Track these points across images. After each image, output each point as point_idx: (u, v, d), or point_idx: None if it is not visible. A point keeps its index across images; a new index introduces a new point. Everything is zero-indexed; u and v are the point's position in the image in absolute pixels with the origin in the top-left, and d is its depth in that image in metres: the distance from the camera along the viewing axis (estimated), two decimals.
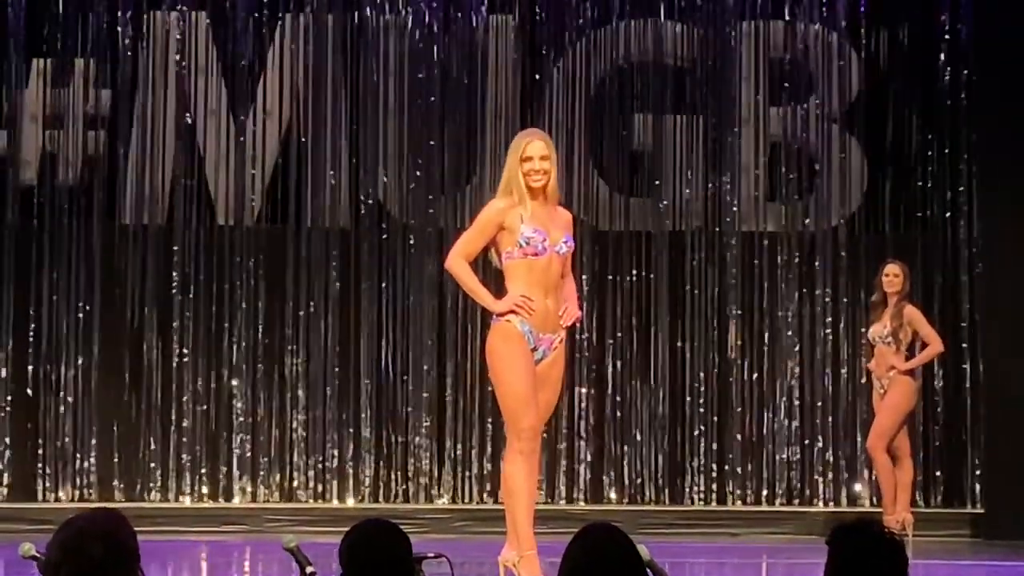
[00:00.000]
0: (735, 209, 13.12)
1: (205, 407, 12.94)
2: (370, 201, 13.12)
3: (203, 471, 12.90)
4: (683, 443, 12.99)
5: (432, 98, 13.14)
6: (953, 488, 12.85)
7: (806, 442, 12.97)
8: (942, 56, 13.07)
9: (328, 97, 13.12)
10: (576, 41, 13.24)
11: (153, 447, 12.88)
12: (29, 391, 12.89)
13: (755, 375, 13.03)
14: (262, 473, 12.92)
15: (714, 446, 12.96)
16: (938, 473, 12.87)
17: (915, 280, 11.60)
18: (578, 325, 8.89)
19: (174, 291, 13.00)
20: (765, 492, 12.94)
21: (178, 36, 13.12)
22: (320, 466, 12.93)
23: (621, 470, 12.98)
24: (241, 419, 12.94)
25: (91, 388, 12.89)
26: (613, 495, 12.96)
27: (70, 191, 13.03)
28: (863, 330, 11.72)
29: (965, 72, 12.98)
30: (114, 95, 13.10)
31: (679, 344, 13.04)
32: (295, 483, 12.92)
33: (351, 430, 12.94)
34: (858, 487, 12.92)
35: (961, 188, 12.98)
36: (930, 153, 13.07)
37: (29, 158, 13.05)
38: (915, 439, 12.05)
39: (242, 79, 13.14)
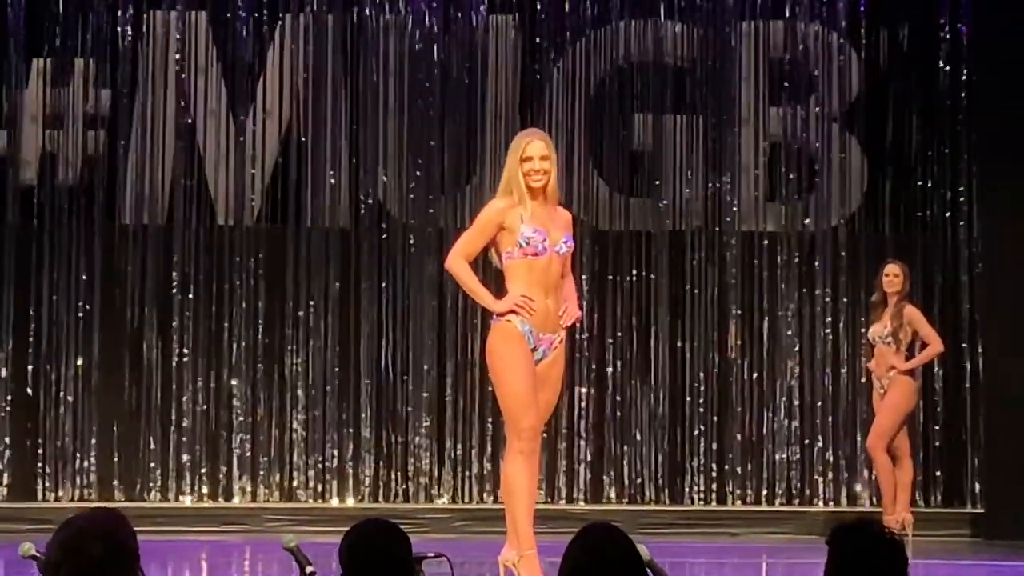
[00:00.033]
0: (735, 209, 13.13)
1: (205, 407, 12.94)
2: (370, 201, 13.12)
3: (203, 471, 12.90)
4: (683, 443, 12.99)
5: (432, 98, 13.14)
6: (953, 488, 12.85)
7: (806, 442, 12.97)
8: (942, 56, 13.07)
9: (328, 97, 13.12)
10: (576, 41, 13.24)
11: (153, 447, 12.88)
12: (29, 391, 12.89)
13: (755, 375, 13.03)
14: (262, 473, 12.92)
15: (714, 446, 12.97)
16: (938, 473, 12.87)
17: (915, 280, 11.61)
18: (578, 325, 8.89)
19: (174, 291, 13.00)
20: (765, 492, 12.94)
21: (178, 36, 13.12)
22: (320, 466, 12.93)
23: (621, 470, 12.98)
24: (241, 419, 12.94)
25: (91, 388, 12.90)
26: (613, 495, 12.96)
27: (70, 191, 13.03)
28: (863, 330, 11.72)
29: (965, 72, 12.98)
30: (114, 95, 13.10)
31: (679, 344, 13.04)
32: (295, 483, 12.92)
33: (351, 430, 12.95)
34: (858, 487, 12.91)
35: (961, 188, 12.98)
36: (930, 153, 13.07)
37: (29, 158, 13.06)
38: (915, 439, 12.06)
39: (242, 79, 13.15)
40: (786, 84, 13.24)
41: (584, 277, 12.81)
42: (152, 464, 12.87)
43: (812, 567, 4.17)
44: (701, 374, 13.00)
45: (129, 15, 13.08)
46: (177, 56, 13.12)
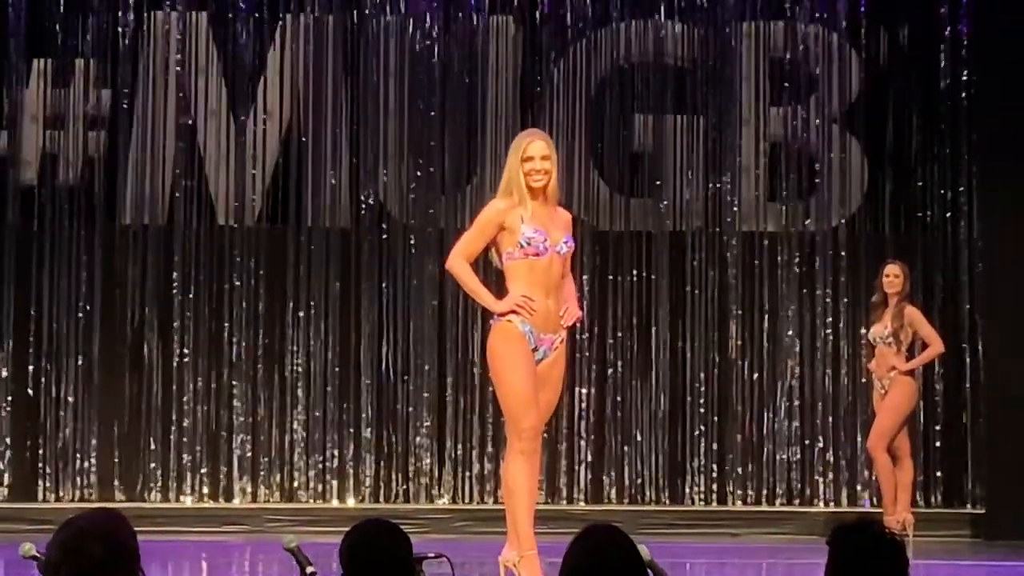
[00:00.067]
0: (735, 209, 13.13)
1: (205, 407, 12.94)
2: (370, 201, 13.12)
3: (203, 471, 12.90)
4: (683, 443, 12.99)
5: (432, 98, 13.14)
6: (953, 488, 12.85)
7: (806, 442, 12.97)
8: (942, 56, 13.07)
9: (328, 97, 13.13)
10: (576, 41, 13.24)
11: (153, 447, 12.88)
12: (29, 391, 12.89)
13: (755, 375, 13.03)
14: (262, 473, 12.92)
15: (714, 446, 12.97)
16: (938, 473, 12.87)
17: (915, 280, 11.61)
18: (578, 325, 8.89)
19: (174, 291, 13.00)
20: (765, 492, 12.93)
21: (178, 36, 13.12)
22: (320, 466, 12.93)
23: (621, 470, 12.98)
24: (241, 419, 12.94)
25: (91, 388, 12.90)
26: (613, 495, 12.96)
27: (70, 191, 13.03)
28: (863, 330, 11.72)
29: (965, 72, 12.98)
30: (114, 95, 13.10)
31: (679, 344, 13.04)
32: (295, 483, 12.92)
33: (351, 430, 12.95)
34: (859, 487, 12.91)
35: (961, 188, 12.98)
36: (930, 153, 13.07)
37: (29, 158, 13.06)
38: (915, 439, 12.06)
39: (242, 79, 13.15)
40: (786, 84, 13.24)
41: (584, 277, 12.81)
42: (152, 464, 12.87)
43: (812, 567, 4.17)
44: (701, 374, 13.00)
45: (130, 15, 13.08)
46: (178, 56, 13.12)
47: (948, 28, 13.08)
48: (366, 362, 12.99)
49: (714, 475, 12.95)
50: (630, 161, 13.23)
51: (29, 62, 13.08)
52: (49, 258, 12.95)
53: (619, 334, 13.06)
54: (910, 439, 11.25)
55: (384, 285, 13.05)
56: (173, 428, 12.90)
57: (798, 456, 12.97)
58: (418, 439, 12.92)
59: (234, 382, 12.98)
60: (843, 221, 13.17)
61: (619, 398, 13.01)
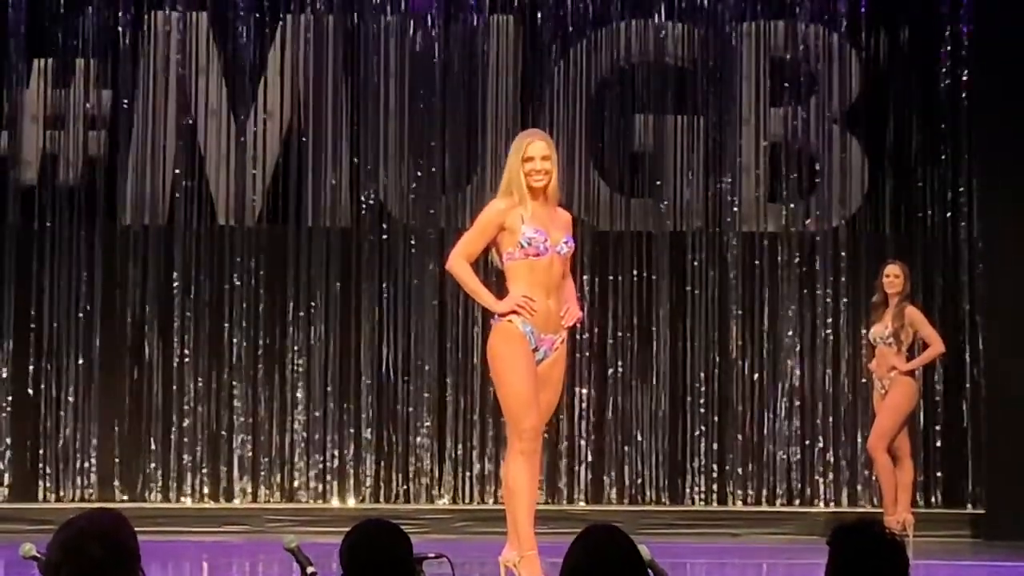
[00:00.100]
0: (736, 209, 13.13)
1: (205, 407, 12.94)
2: (371, 201, 13.12)
3: (204, 471, 12.90)
4: (684, 443, 12.99)
5: (432, 98, 13.14)
6: (953, 489, 12.85)
7: (807, 442, 12.97)
8: (942, 56, 13.07)
9: (329, 97, 13.13)
10: (577, 41, 13.24)
11: (154, 447, 12.88)
12: (30, 391, 12.89)
13: (756, 375, 13.03)
14: (263, 473, 12.92)
15: (715, 446, 12.97)
16: (938, 474, 12.87)
17: (915, 280, 11.61)
18: (579, 325, 8.89)
19: (175, 291, 13.00)
20: (765, 492, 12.93)
21: (178, 36, 13.12)
22: (321, 466, 12.93)
23: (622, 470, 12.98)
24: (242, 419, 12.94)
25: (92, 388, 12.90)
26: (614, 495, 12.96)
27: (71, 191, 13.03)
28: (864, 331, 11.71)
29: (965, 72, 12.98)
30: (115, 95, 13.10)
31: (680, 344, 13.04)
32: (296, 483, 12.92)
33: (352, 430, 12.95)
34: (859, 488, 12.91)
35: (961, 188, 12.98)
36: (930, 153, 13.07)
37: (30, 158, 13.06)
38: (915, 440, 12.06)
39: (243, 79, 13.15)
40: (787, 84, 13.24)
41: (585, 278, 12.82)
42: (153, 465, 12.87)
43: (813, 568, 4.17)
44: (702, 374, 13.00)
45: (130, 15, 13.08)
46: (178, 57, 13.12)
47: (948, 28, 13.08)
48: (366, 362, 12.99)
49: (714, 475, 12.95)
50: (630, 161, 13.23)
51: (29, 62, 13.08)
52: (49, 258, 12.95)
53: (619, 334, 13.06)
54: (910, 439, 11.25)
55: (384, 285, 13.05)
56: (173, 428, 12.90)
57: (798, 456, 12.97)
58: (418, 439, 12.92)
59: (234, 382, 12.98)
60: (843, 221, 13.17)
61: (619, 398, 13.01)
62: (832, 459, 12.95)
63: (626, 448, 12.99)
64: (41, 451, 12.86)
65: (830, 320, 13.04)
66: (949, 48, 13.06)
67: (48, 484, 12.82)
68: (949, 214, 13.02)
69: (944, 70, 13.06)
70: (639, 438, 13.00)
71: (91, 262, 12.98)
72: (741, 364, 13.03)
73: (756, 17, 13.21)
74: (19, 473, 12.87)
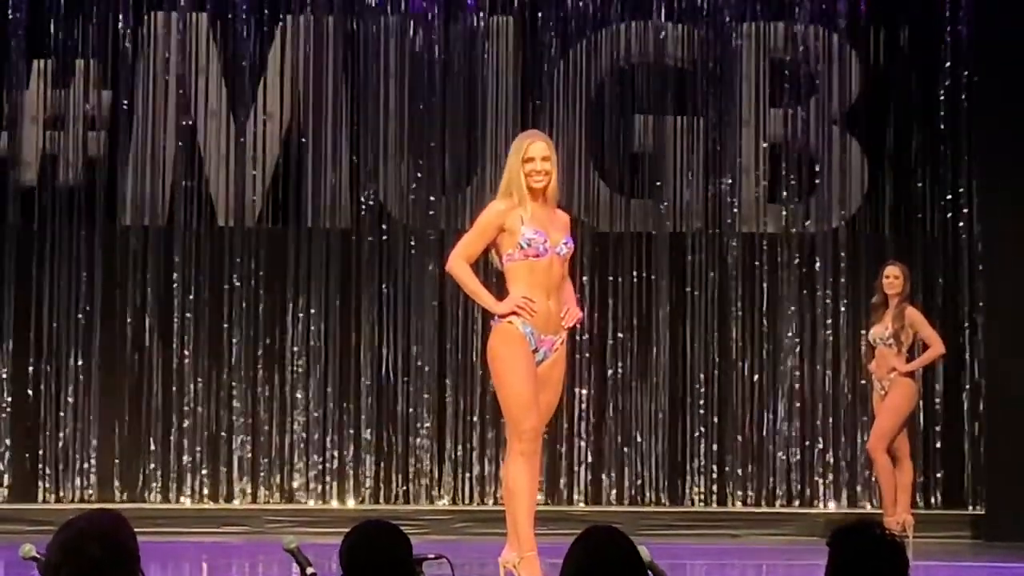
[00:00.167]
0: (735, 210, 13.13)
1: (205, 408, 12.94)
2: (371, 202, 13.12)
3: (203, 472, 12.90)
4: (683, 444, 12.99)
5: (432, 98, 13.14)
6: (953, 489, 12.85)
7: (806, 443, 12.97)
8: (942, 56, 13.07)
9: (329, 98, 13.13)
10: (576, 42, 13.24)
11: (153, 448, 12.88)
12: (29, 392, 12.89)
13: (755, 376, 13.03)
14: (262, 474, 12.92)
15: (714, 447, 12.96)
16: (938, 474, 12.87)
17: (915, 281, 11.61)
18: (578, 326, 8.89)
19: (174, 292, 13.00)
20: (765, 493, 12.93)
21: (178, 37, 13.12)
22: (320, 467, 12.93)
23: (621, 471, 12.97)
24: (241, 420, 12.94)
25: (91, 389, 12.90)
26: (613, 496, 12.95)
27: (71, 192, 13.03)
28: (863, 331, 11.71)
29: (965, 73, 12.98)
30: (115, 96, 13.10)
31: (680, 345, 13.04)
32: (295, 484, 12.92)
33: (351, 431, 12.95)
34: (859, 488, 12.91)
35: (961, 189, 12.98)
36: (930, 154, 13.07)
37: (29, 159, 13.06)
38: (915, 440, 12.06)
39: (242, 80, 13.15)
40: (786, 85, 13.24)
41: (584, 278, 12.82)
42: (152, 465, 12.87)
43: (812, 568, 4.17)
44: (701, 375, 13.00)
45: (130, 16, 13.08)
46: (178, 57, 13.12)
47: (948, 28, 13.08)
48: (366, 363, 12.99)
49: (714, 476, 12.95)
50: (630, 162, 13.23)
51: (29, 63, 13.08)
52: (49, 258, 12.95)
53: (619, 335, 13.06)
54: (910, 440, 11.25)
55: (384, 286, 13.05)
56: (173, 429, 12.90)
57: (798, 457, 12.97)
58: (418, 440, 12.92)
59: (234, 383, 12.98)
60: (843, 222, 13.16)
61: (619, 399, 13.01)
62: (832, 460, 12.95)
63: (626, 449, 12.99)
64: (41, 451, 12.86)
65: (830, 321, 13.04)
66: (949, 48, 13.06)
67: (48, 485, 12.82)
68: (949, 215, 13.02)
69: (944, 70, 13.06)
70: (639, 439, 13.00)
71: (91, 262, 12.98)
72: (741, 365, 13.03)
73: (756, 18, 13.21)
74: (19, 473, 12.87)
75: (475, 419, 12.94)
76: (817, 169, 13.19)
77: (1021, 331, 12.12)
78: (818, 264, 13.11)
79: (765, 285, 13.11)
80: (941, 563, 10.56)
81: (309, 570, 4.28)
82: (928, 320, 11.14)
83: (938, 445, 12.87)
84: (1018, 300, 12.20)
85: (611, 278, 13.10)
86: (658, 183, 13.16)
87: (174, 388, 12.93)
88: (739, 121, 13.16)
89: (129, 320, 12.96)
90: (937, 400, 12.87)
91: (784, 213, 13.18)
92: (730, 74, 13.18)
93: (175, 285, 13.00)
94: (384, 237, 13.11)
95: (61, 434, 12.85)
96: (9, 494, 12.85)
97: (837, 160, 13.15)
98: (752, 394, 13.02)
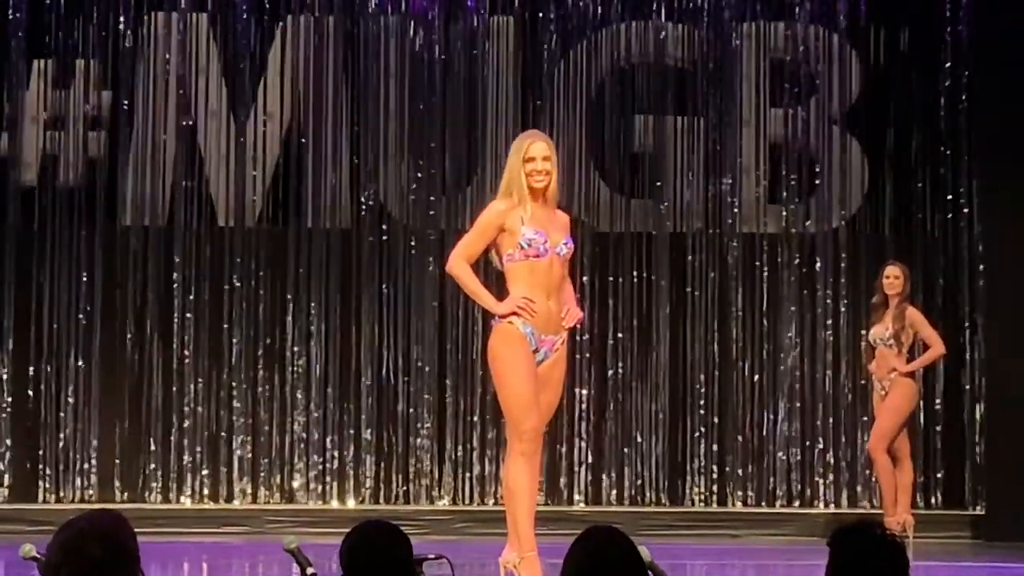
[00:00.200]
0: (736, 210, 13.13)
1: (205, 408, 12.94)
2: (371, 202, 13.12)
3: (204, 472, 12.90)
4: (684, 444, 12.99)
5: (432, 99, 13.14)
6: (953, 489, 12.84)
7: (807, 443, 12.97)
8: (942, 57, 13.07)
9: (329, 98, 13.13)
10: (577, 42, 13.24)
11: (154, 448, 12.88)
12: (30, 392, 12.89)
13: (756, 376, 13.03)
14: (263, 474, 12.92)
15: (715, 447, 12.96)
16: (938, 475, 12.87)
17: (915, 281, 11.61)
18: (579, 326, 8.89)
19: (174, 292, 13.00)
20: (765, 494, 12.93)
21: (179, 37, 13.12)
22: (321, 467, 12.93)
23: (622, 471, 12.97)
24: (242, 420, 12.94)
25: (92, 389, 12.90)
26: (613, 496, 12.95)
27: (71, 192, 13.03)
28: (864, 332, 11.70)
29: (966, 73, 12.98)
30: (115, 96, 13.10)
31: (680, 345, 13.04)
32: (296, 484, 12.92)
33: (352, 431, 12.95)
34: (859, 489, 12.91)
35: (962, 189, 12.98)
36: (930, 154, 13.07)
37: (30, 159, 13.05)
38: (915, 440, 12.06)
39: (243, 80, 13.14)
40: (787, 85, 13.24)
41: (585, 279, 12.82)
42: (153, 465, 12.87)
43: (813, 569, 4.17)
44: (702, 376, 13.00)
45: (130, 16, 13.08)
46: (178, 57, 13.12)
47: (948, 28, 13.08)
48: (366, 363, 12.99)
49: (714, 476, 12.95)
50: (630, 162, 13.23)
51: (29, 63, 13.08)
52: (49, 259, 12.94)
53: (619, 335, 13.06)
54: (910, 440, 11.25)
55: (384, 286, 13.05)
56: (173, 429, 12.90)
57: (798, 457, 12.97)
58: (418, 440, 12.92)
59: (234, 383, 12.98)
60: (843, 222, 13.16)
61: (619, 399, 13.01)
62: (832, 460, 12.95)
63: (626, 449, 12.99)
64: (41, 452, 12.85)
65: (830, 321, 13.03)
66: (949, 49, 13.06)
67: (48, 485, 12.82)
68: (949, 215, 13.02)
69: (944, 71, 13.06)
70: (639, 439, 12.99)
71: (91, 262, 12.98)
72: (741, 365, 13.03)
73: (756, 18, 13.21)
74: (19, 474, 12.87)
75: (475, 419, 12.94)
76: (817, 169, 13.19)
77: (1021, 331, 12.12)
78: (818, 264, 13.11)
79: (765, 285, 13.11)
80: (941, 563, 10.56)
81: (309, 570, 4.28)
82: (928, 320, 11.14)
83: (938, 445, 12.87)
84: (1018, 300, 12.20)
85: (611, 278, 13.10)
86: (658, 183, 13.16)
87: (174, 388, 12.93)
88: (739, 121, 13.16)
89: (129, 320, 12.95)
90: (937, 400, 12.87)
91: (784, 213, 13.18)
92: (730, 74, 13.18)
93: (175, 285, 13.01)
94: (384, 237, 13.11)
95: (61, 434, 12.86)
96: (9, 494, 12.85)
97: (837, 160, 13.15)
98: (752, 394, 13.01)
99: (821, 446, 12.95)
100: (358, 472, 12.91)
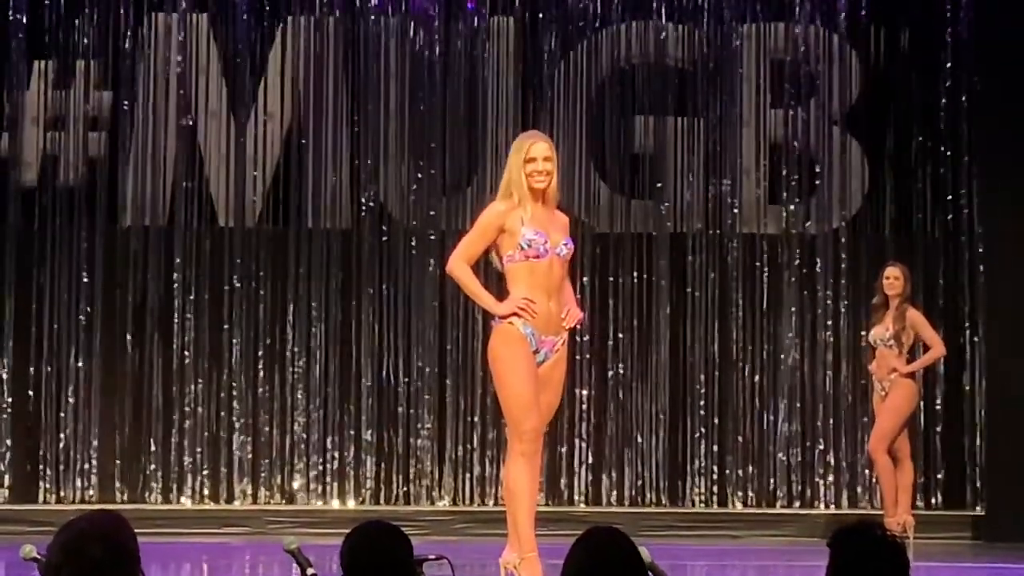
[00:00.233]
0: (736, 211, 13.13)
1: (206, 408, 12.93)
2: (371, 203, 13.12)
3: (204, 473, 12.90)
4: (684, 445, 12.99)
5: (432, 99, 13.14)
6: (954, 490, 12.84)
7: (807, 444, 12.97)
8: (943, 57, 13.07)
9: (329, 98, 13.13)
10: (577, 42, 13.24)
11: (154, 449, 12.88)
12: (30, 392, 12.89)
13: (756, 377, 13.02)
14: (263, 475, 12.92)
15: (715, 448, 12.96)
16: (939, 475, 12.86)
17: (916, 282, 11.61)
18: (579, 327, 8.89)
19: (174, 292, 13.00)
20: (766, 494, 12.93)
21: (179, 37, 13.12)
22: (321, 468, 12.93)
23: (622, 472, 12.97)
24: (242, 421, 12.94)
25: (92, 390, 12.90)
26: (614, 497, 12.95)
27: (71, 193, 13.03)
28: (864, 332, 11.71)
29: (966, 73, 12.98)
30: (115, 97, 13.10)
31: (680, 346, 13.04)
32: (296, 485, 12.92)
33: (352, 432, 12.94)
34: (859, 489, 12.91)
35: (962, 190, 12.98)
36: (931, 154, 13.07)
37: (30, 160, 13.06)
38: (916, 441, 12.06)
39: (243, 80, 13.15)
40: (787, 86, 13.24)
41: (585, 279, 12.82)
42: (153, 466, 12.87)
43: (813, 570, 4.18)
44: (702, 376, 13.00)
45: (130, 16, 13.08)
46: (178, 57, 13.12)
47: (949, 28, 13.07)
48: (366, 364, 12.99)
49: (715, 477, 12.95)
50: (631, 162, 13.23)
51: (30, 64, 13.08)
52: (49, 259, 12.95)
53: (620, 336, 13.06)
54: (910, 441, 11.25)
55: (384, 287, 13.05)
56: (173, 429, 12.90)
57: (799, 458, 12.97)
58: (419, 441, 12.92)
59: (234, 383, 12.98)
60: (843, 223, 13.16)
61: (620, 400, 13.01)
62: (832, 461, 12.94)
63: (626, 450, 12.99)
64: (41, 452, 12.86)
65: (830, 322, 13.03)
66: (950, 48, 13.05)
67: (48, 485, 12.82)
68: (949, 215, 13.01)
69: (944, 70, 13.06)
70: (639, 440, 12.99)
71: (91, 262, 12.98)
72: (741, 366, 13.03)
73: (756, 18, 13.21)
74: (19, 474, 12.86)
75: (475, 420, 12.94)
76: (817, 170, 13.19)
77: (1021, 331, 12.13)
78: (819, 265, 13.11)
79: (765, 286, 13.11)
80: (942, 564, 10.56)
81: (310, 571, 4.28)
82: (929, 321, 11.14)
83: (938, 446, 12.87)
84: (1018, 300, 12.21)
85: (611, 279, 13.10)
86: (658, 184, 13.16)
87: (174, 388, 12.93)
88: (739, 122, 13.16)
89: (129, 320, 12.95)
90: (938, 401, 12.87)
91: (784, 214, 13.18)
92: (730, 74, 13.18)
93: (175, 285, 13.01)
94: (384, 238, 13.11)
95: (62, 434, 12.86)
96: (10, 495, 12.85)
97: (837, 160, 13.15)
98: (752, 395, 13.01)
99: (821, 447, 12.95)
100: (358, 473, 12.91)
